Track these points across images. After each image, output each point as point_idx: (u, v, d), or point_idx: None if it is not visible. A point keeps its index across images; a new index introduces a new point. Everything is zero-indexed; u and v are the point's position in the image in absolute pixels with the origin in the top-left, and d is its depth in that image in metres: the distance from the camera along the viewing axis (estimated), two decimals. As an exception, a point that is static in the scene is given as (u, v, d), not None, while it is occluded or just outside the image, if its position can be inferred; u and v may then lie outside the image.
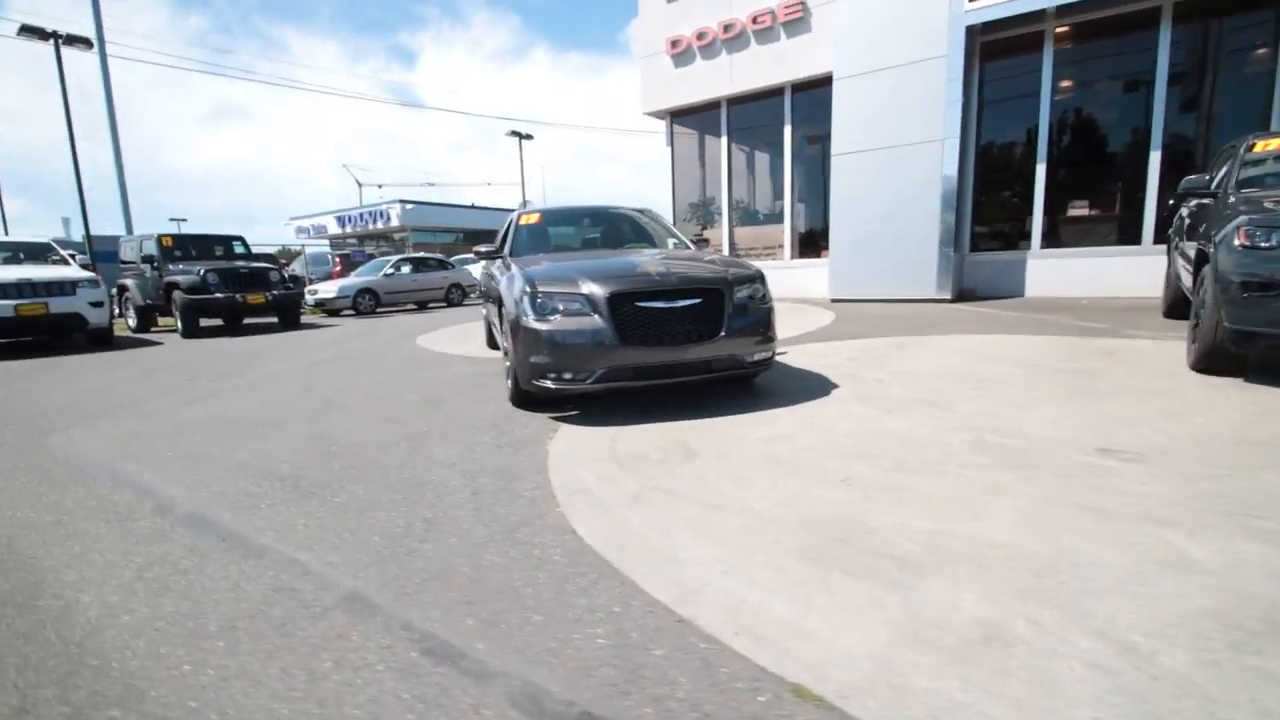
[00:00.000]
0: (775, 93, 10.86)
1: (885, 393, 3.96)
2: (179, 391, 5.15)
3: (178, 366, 6.67)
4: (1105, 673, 1.35)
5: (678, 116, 12.21)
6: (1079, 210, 8.77)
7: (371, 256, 20.17)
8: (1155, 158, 7.98)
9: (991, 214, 9.39)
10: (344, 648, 1.55)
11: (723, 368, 3.77)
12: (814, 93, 10.37)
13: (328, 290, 13.50)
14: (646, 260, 4.12)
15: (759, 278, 4.03)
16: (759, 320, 3.86)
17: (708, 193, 12.51)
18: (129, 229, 14.72)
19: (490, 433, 3.50)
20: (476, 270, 19.36)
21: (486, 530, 2.21)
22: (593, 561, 1.94)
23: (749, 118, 11.46)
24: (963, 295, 9.15)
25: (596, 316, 3.57)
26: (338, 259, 19.74)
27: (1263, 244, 3.58)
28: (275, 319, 11.11)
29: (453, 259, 18.01)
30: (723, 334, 3.70)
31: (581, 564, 1.93)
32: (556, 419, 3.72)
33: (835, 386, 4.20)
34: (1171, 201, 5.57)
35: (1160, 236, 8.04)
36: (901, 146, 8.88)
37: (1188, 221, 5.67)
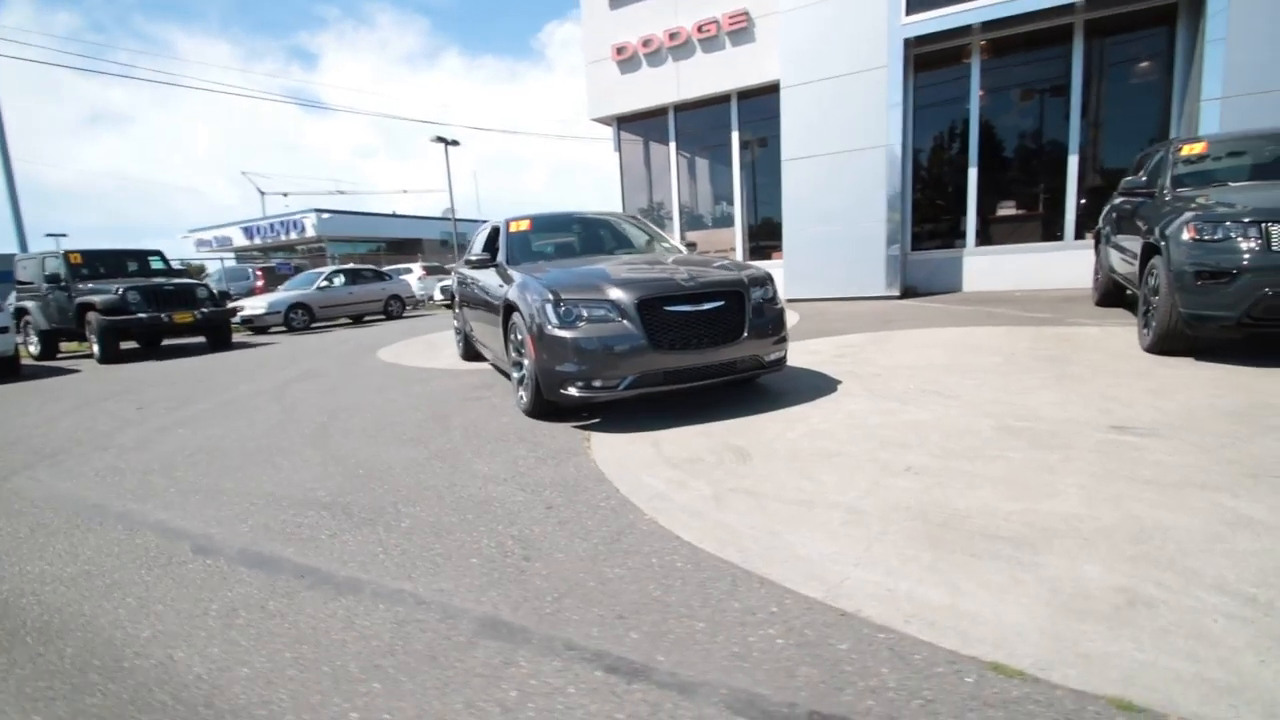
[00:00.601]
0: (722, 99, 11.13)
1: (890, 385, 4.15)
2: (138, 422, 4.68)
3: (117, 395, 6.05)
4: (1244, 622, 1.49)
5: (625, 122, 12.28)
6: (1007, 210, 9.51)
7: (298, 269, 19.01)
8: (1073, 161, 8.77)
9: (929, 215, 10.01)
10: (518, 675, 1.48)
11: (745, 368, 3.84)
12: (760, 100, 10.71)
13: (256, 306, 12.63)
14: (666, 265, 4.13)
15: (770, 279, 4.13)
16: (774, 320, 3.96)
17: (656, 197, 12.64)
18: (23, 246, 13.20)
19: (522, 446, 3.41)
20: (414, 280, 18.74)
21: (587, 543, 2.16)
22: (718, 565, 1.94)
23: (696, 123, 11.69)
24: (907, 292, 9.69)
25: (626, 322, 3.55)
26: (259, 272, 18.44)
27: (1209, 237, 4.02)
28: (203, 340, 10.28)
29: (386, 269, 17.27)
30: (745, 335, 3.77)
31: (708, 568, 1.93)
32: (581, 428, 3.67)
33: (838, 382, 4.36)
34: (1118, 199, 6.17)
35: (1080, 233, 8.86)
36: (848, 152, 9.32)
37: (1116, 218, 6.29)
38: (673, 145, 11.78)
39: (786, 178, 9.97)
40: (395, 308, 15.39)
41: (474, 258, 4.92)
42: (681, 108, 11.54)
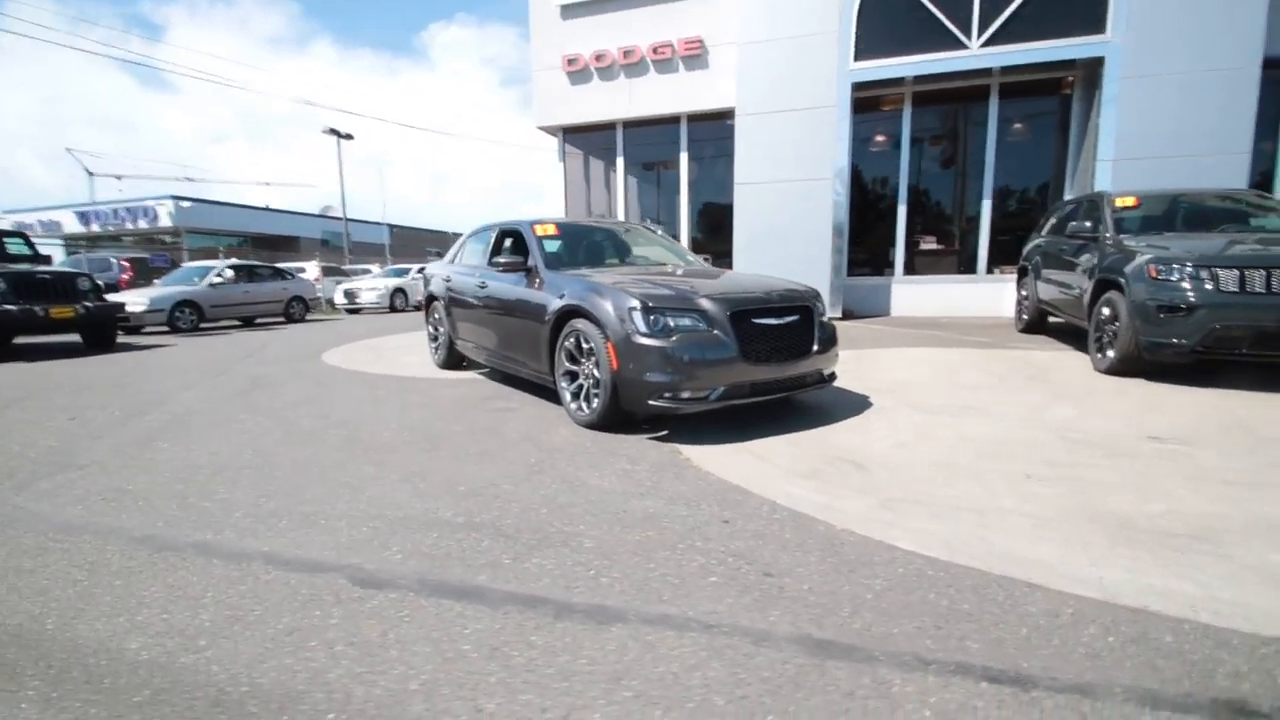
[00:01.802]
0: (672, 120, 11.38)
1: (918, 400, 4.44)
2: (92, 435, 3.87)
3: (14, 403, 4.96)
4: None
5: (571, 133, 12.16)
6: (929, 245, 10.56)
7: (175, 263, 16.62)
8: (987, 205, 9.94)
9: (863, 244, 10.85)
10: (913, 694, 1.42)
11: (811, 382, 3.95)
12: (709, 124, 11.08)
13: (136, 302, 10.89)
14: (728, 276, 4.16)
15: (820, 295, 4.29)
16: (831, 334, 4.11)
17: (599, 210, 12.61)
18: None
19: (616, 459, 3.25)
20: (363, 284, 17.07)
21: (812, 556, 2.12)
22: (968, 572, 1.99)
23: (645, 140, 11.84)
24: (845, 315, 10.42)
25: (717, 332, 3.53)
26: (126, 264, 15.80)
27: (1167, 277, 4.74)
28: (77, 339, 8.71)
29: (281, 265, 15.60)
30: (815, 349, 3.89)
31: (963, 575, 1.96)
32: (658, 440, 3.56)
33: (864, 396, 4.59)
34: (1042, 239, 7.10)
35: (991, 268, 10.04)
36: (798, 181, 9.90)
37: (1045, 256, 7.22)
38: (621, 160, 11.83)
39: (739, 200, 10.37)
40: (298, 310, 13.98)
41: (503, 260, 4.62)
42: (631, 124, 11.64)
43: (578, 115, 11.72)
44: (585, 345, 3.83)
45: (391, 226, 41.45)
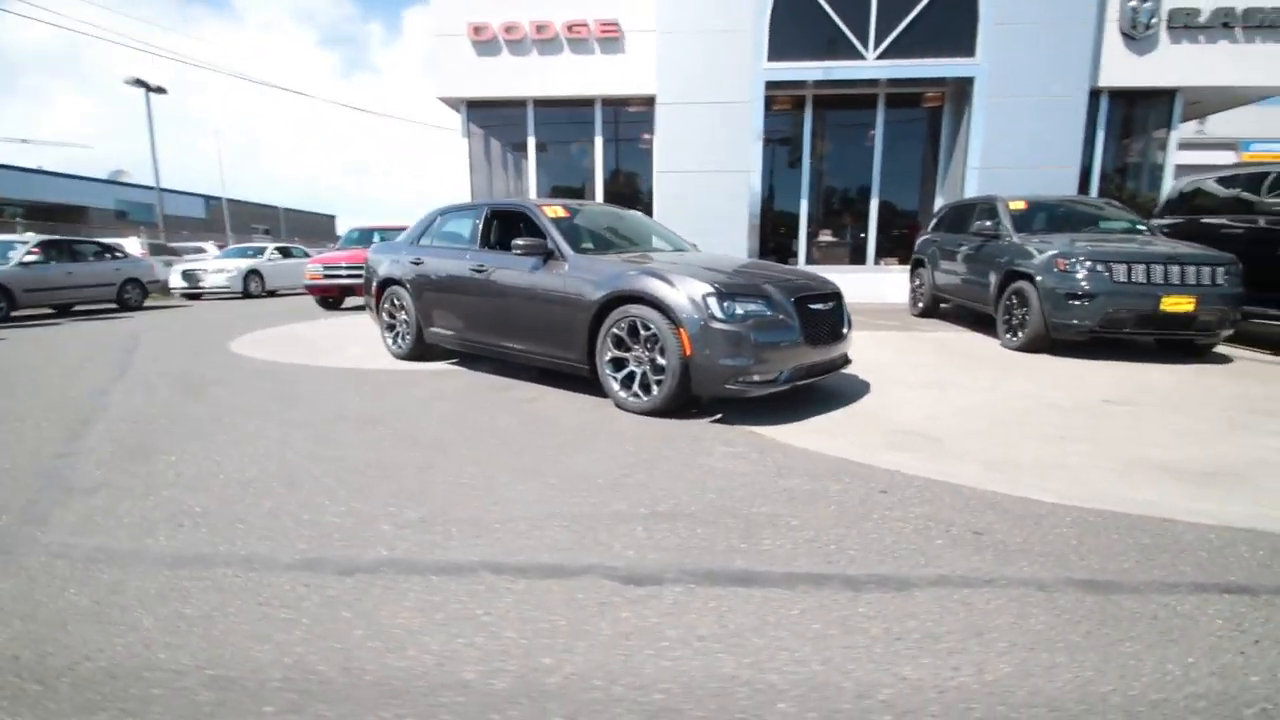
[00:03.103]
0: (587, 102, 11.24)
1: (903, 378, 4.99)
2: (50, 455, 3.08)
3: None
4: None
5: (477, 108, 11.51)
6: (826, 238, 11.59)
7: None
8: (874, 204, 11.14)
9: (769, 235, 11.61)
10: (1192, 612, 1.74)
11: (841, 364, 4.29)
12: (626, 110, 11.13)
13: (-86, 285, 8.52)
14: (767, 264, 4.35)
15: (832, 283, 4.65)
16: (850, 320, 4.49)
17: (500, 188, 12.13)
18: None
19: (713, 443, 3.31)
20: (208, 265, 14.40)
21: (984, 514, 2.39)
22: (1111, 512, 2.38)
23: (557, 120, 11.57)
24: (756, 299, 11.11)
25: (784, 317, 3.72)
26: None
27: (1072, 270, 5.77)
28: None
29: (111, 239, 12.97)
30: (846, 331, 4.23)
31: (1108, 516, 2.35)
32: (722, 423, 3.69)
33: (854, 375, 5.06)
34: (936, 235, 8.19)
35: (879, 259, 11.29)
36: (717, 172, 10.34)
37: (942, 250, 8.32)
38: (532, 140, 11.46)
39: (659, 188, 10.59)
40: (134, 295, 11.80)
41: (523, 243, 4.38)
42: (544, 103, 11.31)
43: (485, 89, 11.13)
44: (645, 331, 3.81)
45: (208, 198, 36.00)
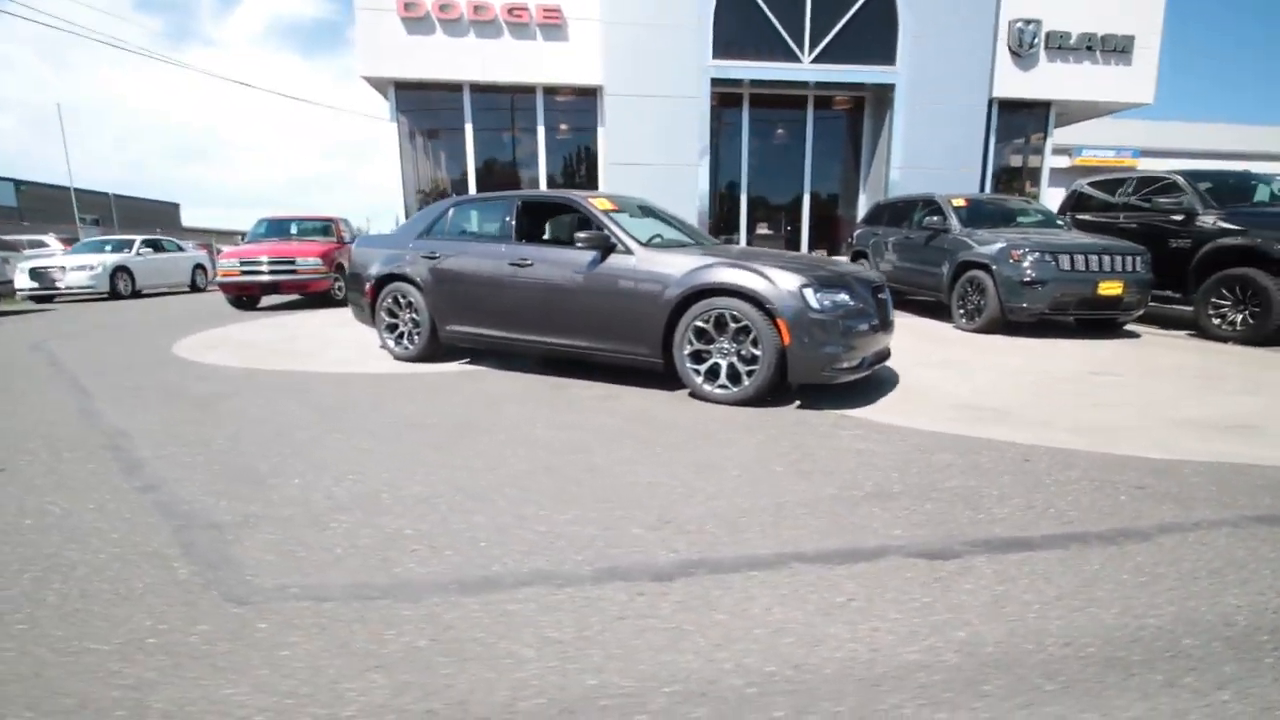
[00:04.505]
0: (527, 90, 10.92)
1: (918, 360, 5.49)
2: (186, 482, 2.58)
3: None
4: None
5: (406, 90, 10.77)
6: (763, 230, 12.18)
7: None
8: (807, 198, 11.87)
9: (713, 228, 11.99)
10: (1355, 534, 2.18)
11: (888, 353, 4.62)
12: (569, 99, 10.95)
13: None
14: (813, 256, 4.55)
15: (864, 275, 4.98)
16: (886, 309, 4.84)
17: (432, 178, 11.48)
18: None
19: (821, 426, 3.49)
20: (64, 261, 11.96)
21: (1126, 472, 2.78)
22: (1197, 463, 2.86)
23: (496, 106, 11.12)
24: (702, 290, 11.46)
25: (864, 306, 3.96)
26: None
27: (1024, 260, 6.60)
28: None
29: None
30: (891, 320, 4.58)
31: (1196, 465, 2.83)
32: (808, 409, 3.89)
33: (869, 359, 5.48)
34: (879, 228, 8.96)
35: (812, 249, 12.04)
36: (667, 165, 10.51)
37: (888, 242, 9.10)
38: (469, 127, 10.93)
39: (608, 180, 10.55)
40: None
41: (585, 236, 4.27)
42: (481, 88, 10.82)
43: (416, 69, 10.45)
44: (734, 323, 3.89)
45: (18, 183, 30.35)
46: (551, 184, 11.31)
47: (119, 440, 3.27)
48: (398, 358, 5.49)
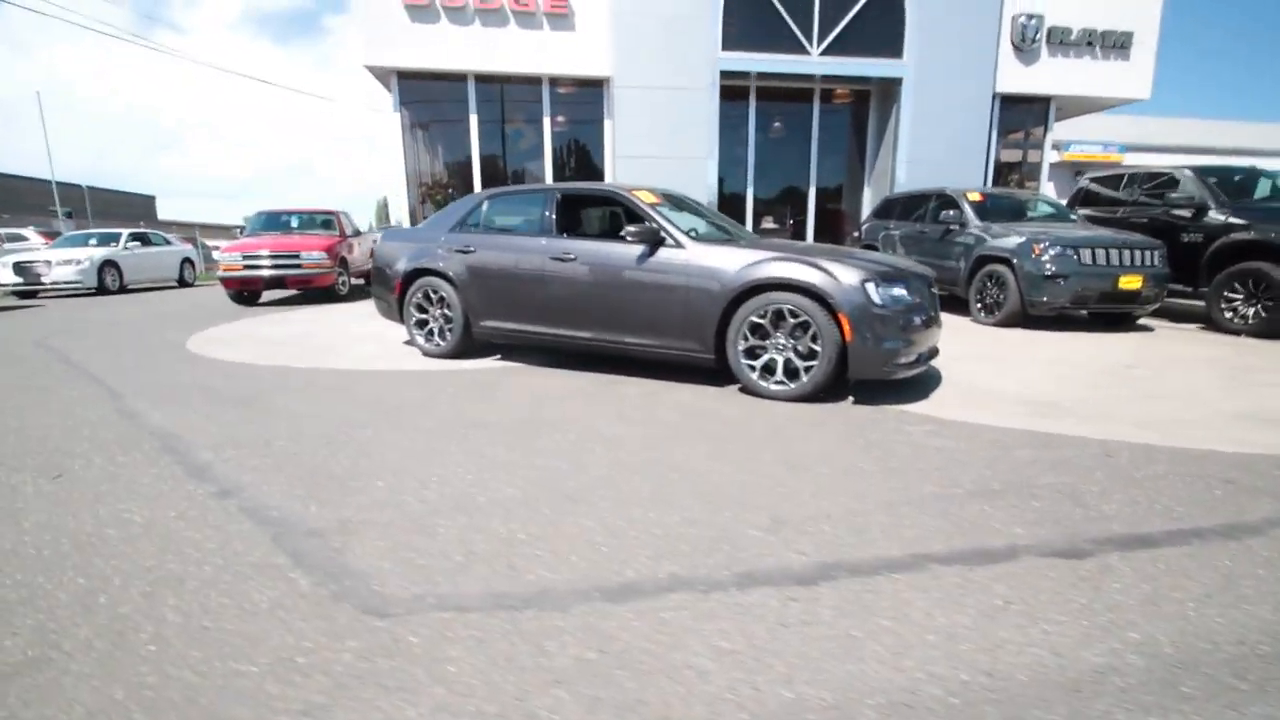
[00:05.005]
0: (533, 80, 10.74)
1: (959, 354, 5.50)
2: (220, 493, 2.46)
3: None
4: None
5: (408, 79, 10.53)
6: (769, 224, 12.15)
7: None
8: (812, 191, 11.87)
9: (717, 220, 11.94)
10: None
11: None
12: (576, 90, 10.80)
13: None
14: (867, 252, 4.52)
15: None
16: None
17: (434, 171, 11.27)
18: None
19: (889, 422, 3.48)
20: (51, 255, 11.42)
21: (1207, 464, 2.80)
22: (1264, 455, 2.90)
23: (501, 97, 10.93)
24: (709, 284, 11.42)
25: (921, 301, 3.95)
26: None
27: (1045, 254, 6.65)
28: None
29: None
30: (940, 315, 4.57)
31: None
32: (866, 404, 3.88)
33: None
34: (890, 222, 8.99)
35: (817, 241, 12.04)
36: (677, 158, 10.42)
37: (899, 236, 9.13)
38: (474, 118, 10.73)
39: (616, 173, 10.44)
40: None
41: (635, 230, 4.20)
42: (486, 78, 10.62)
43: (420, 59, 10.22)
44: (793, 318, 3.85)
45: (-15, 171, 29.22)
46: (557, 175, 11.16)
47: (171, 442, 3.13)
48: (427, 354, 5.37)
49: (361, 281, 11.06)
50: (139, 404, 3.88)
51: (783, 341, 3.93)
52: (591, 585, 1.83)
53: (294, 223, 10.58)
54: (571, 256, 4.54)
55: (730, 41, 10.36)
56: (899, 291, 3.82)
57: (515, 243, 4.85)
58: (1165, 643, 1.57)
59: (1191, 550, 2.04)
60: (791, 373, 3.92)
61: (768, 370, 3.99)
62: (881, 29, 10.61)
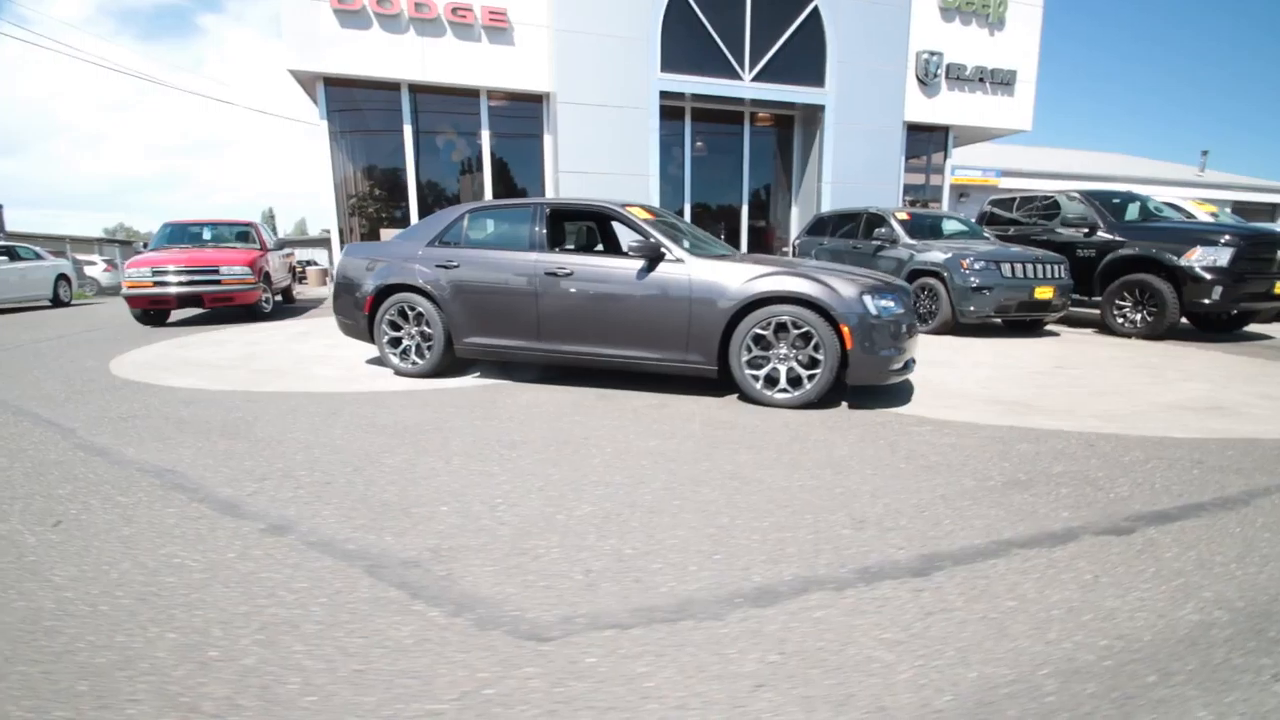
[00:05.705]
0: (471, 93, 10.55)
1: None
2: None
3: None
4: (1310, 415, 4.01)
5: (337, 85, 10.02)
6: (704, 237, 12.53)
7: None
8: (745, 209, 12.41)
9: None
10: (1380, 489, 2.71)
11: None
12: (515, 104, 10.71)
13: None
14: (841, 265, 4.83)
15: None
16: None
17: (362, 185, 10.77)
18: None
19: (905, 425, 3.75)
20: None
21: (1207, 453, 3.25)
22: (1225, 439, 3.42)
23: (437, 108, 10.63)
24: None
25: (907, 310, 4.27)
26: None
27: (973, 268, 7.37)
28: None
29: None
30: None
31: (1244, 443, 3.38)
32: (866, 409, 4.17)
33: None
34: (823, 238, 9.60)
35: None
36: (620, 174, 10.57)
37: (829, 252, 9.74)
38: (409, 129, 10.37)
39: (559, 189, 10.43)
40: None
41: (637, 244, 4.26)
42: (421, 88, 10.31)
43: (350, 65, 9.78)
44: (795, 330, 4.05)
45: None
46: (496, 190, 10.98)
47: (173, 479, 2.83)
48: (401, 374, 5.14)
49: (280, 299, 10.33)
50: (100, 439, 3.46)
51: (785, 352, 4.12)
52: (729, 592, 1.87)
53: (206, 235, 9.71)
54: (567, 271, 4.53)
55: (669, 64, 10.68)
56: (890, 303, 4.13)
57: (504, 257, 4.76)
58: (1234, 598, 1.84)
59: (1205, 521, 2.38)
60: (794, 381, 4.12)
61: (770, 380, 4.16)
62: (806, 60, 11.33)
